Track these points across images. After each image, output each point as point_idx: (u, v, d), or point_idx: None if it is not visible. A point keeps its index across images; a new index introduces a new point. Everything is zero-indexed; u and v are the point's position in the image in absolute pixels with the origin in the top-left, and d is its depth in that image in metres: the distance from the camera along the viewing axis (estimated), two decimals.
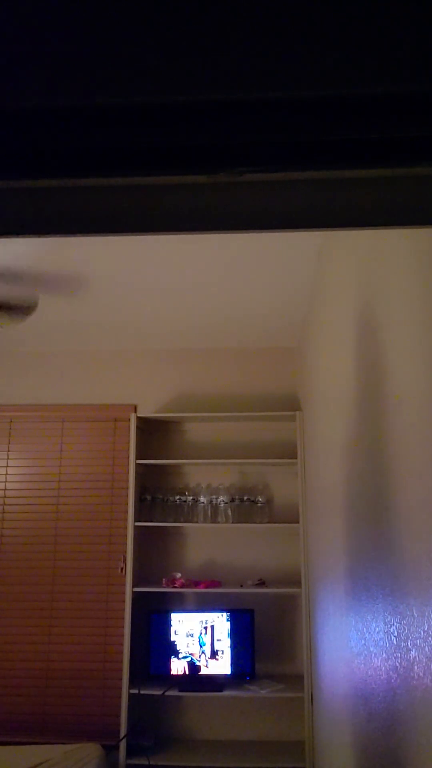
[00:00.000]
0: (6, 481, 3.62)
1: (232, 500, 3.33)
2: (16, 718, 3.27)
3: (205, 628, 3.15)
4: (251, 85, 0.55)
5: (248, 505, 3.34)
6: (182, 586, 3.20)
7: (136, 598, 3.18)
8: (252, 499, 3.34)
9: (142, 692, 2.98)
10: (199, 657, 3.11)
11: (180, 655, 3.12)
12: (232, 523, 3.31)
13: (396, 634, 1.16)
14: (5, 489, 3.61)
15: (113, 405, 3.65)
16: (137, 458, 3.33)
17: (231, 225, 0.66)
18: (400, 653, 1.12)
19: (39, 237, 0.67)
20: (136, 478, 3.29)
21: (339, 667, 1.98)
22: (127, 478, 3.33)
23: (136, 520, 3.26)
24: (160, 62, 0.56)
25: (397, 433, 1.17)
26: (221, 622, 3.14)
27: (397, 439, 1.17)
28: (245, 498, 3.34)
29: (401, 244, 1.14)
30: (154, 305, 3.04)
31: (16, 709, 3.28)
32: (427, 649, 0.96)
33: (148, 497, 3.38)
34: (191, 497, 3.36)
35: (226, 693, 3.02)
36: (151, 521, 3.33)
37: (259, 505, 3.34)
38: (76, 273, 2.62)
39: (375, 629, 1.36)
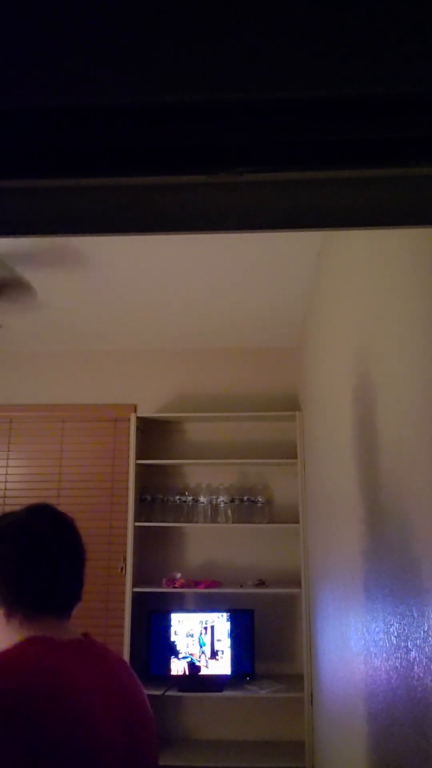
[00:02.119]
0: (6, 481, 3.62)
1: (232, 500, 3.33)
2: None
3: (205, 628, 3.14)
4: (251, 85, 0.55)
5: (248, 505, 3.34)
6: (182, 586, 3.20)
7: (136, 598, 3.17)
8: (252, 499, 3.34)
9: None
10: (199, 657, 3.11)
11: (180, 656, 3.12)
12: (232, 523, 3.31)
13: (396, 634, 1.16)
14: (5, 489, 3.61)
15: (113, 405, 3.65)
16: (137, 458, 3.33)
17: (231, 225, 0.66)
18: (400, 653, 1.12)
19: (39, 237, 0.67)
20: (136, 478, 3.29)
21: (339, 667, 1.98)
22: (127, 478, 3.33)
23: (136, 520, 3.26)
24: (160, 62, 0.56)
25: (397, 433, 1.17)
26: (221, 623, 3.14)
27: (397, 439, 1.17)
28: (245, 498, 3.34)
29: (402, 244, 1.14)
30: (154, 305, 3.04)
31: None
32: (427, 649, 0.96)
33: (148, 497, 3.38)
34: (191, 497, 3.36)
35: (226, 693, 3.02)
36: (151, 521, 3.33)
37: (259, 505, 3.33)
38: (75, 269, 2.62)
39: (375, 629, 1.36)
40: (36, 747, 0.73)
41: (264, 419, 3.47)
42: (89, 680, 0.87)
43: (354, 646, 1.66)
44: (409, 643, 1.06)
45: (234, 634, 3.13)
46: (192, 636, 3.14)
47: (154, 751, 0.94)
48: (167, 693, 3.00)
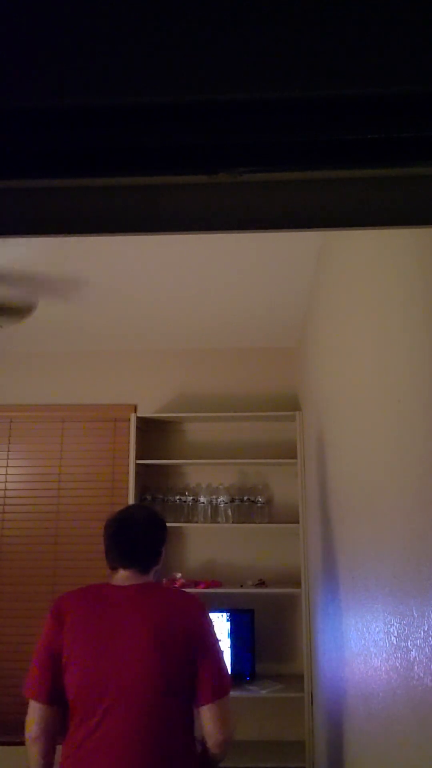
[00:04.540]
0: (6, 481, 3.62)
1: (232, 500, 3.33)
2: (16, 718, 3.26)
3: None
4: (251, 85, 0.55)
5: (248, 505, 3.34)
6: (182, 586, 3.20)
7: None
8: (252, 499, 3.34)
9: None
10: None
11: None
12: (232, 523, 3.31)
13: (396, 634, 1.16)
14: (5, 489, 3.61)
15: (113, 405, 3.65)
16: (137, 458, 3.33)
17: (231, 225, 0.66)
18: (400, 653, 1.12)
19: (39, 237, 0.67)
20: (136, 478, 3.29)
21: (339, 667, 1.98)
22: (127, 478, 3.33)
23: None
24: (160, 62, 0.56)
25: (397, 433, 1.17)
26: (221, 622, 3.14)
27: (397, 439, 1.17)
28: (245, 498, 3.34)
29: (402, 243, 1.14)
30: (153, 305, 3.04)
31: (16, 709, 3.28)
32: (427, 649, 0.96)
33: (148, 497, 3.38)
34: (191, 497, 3.36)
35: None
36: None
37: (259, 505, 3.34)
38: (76, 272, 2.62)
39: (375, 629, 1.36)
40: (65, 624, 1.54)
41: (264, 419, 3.47)
42: (118, 601, 1.58)
43: (354, 646, 1.66)
44: (409, 643, 1.06)
45: (234, 634, 3.13)
46: None
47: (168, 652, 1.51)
48: None
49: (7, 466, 3.64)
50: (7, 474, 3.63)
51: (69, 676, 1.49)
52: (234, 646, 3.11)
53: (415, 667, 1.02)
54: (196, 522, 3.33)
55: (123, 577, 1.67)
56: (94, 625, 1.52)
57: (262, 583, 3.25)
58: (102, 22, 0.56)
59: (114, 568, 1.69)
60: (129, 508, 1.88)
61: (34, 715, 1.53)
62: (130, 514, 1.78)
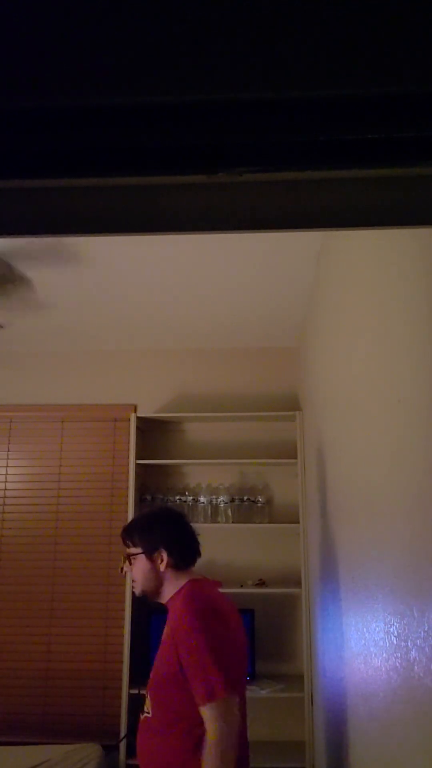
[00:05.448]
0: (6, 481, 3.62)
1: (232, 500, 3.33)
2: (16, 718, 3.27)
3: None
4: (251, 86, 0.55)
5: (248, 505, 3.34)
6: None
7: (136, 598, 3.16)
8: (252, 499, 3.34)
9: (142, 692, 2.97)
10: None
11: None
12: (232, 523, 3.31)
13: (396, 634, 1.16)
14: (5, 489, 3.61)
15: (113, 405, 3.65)
16: (137, 458, 3.33)
17: (231, 225, 0.66)
18: (400, 653, 1.12)
19: (39, 237, 0.67)
20: (136, 478, 3.29)
21: (339, 667, 1.98)
22: (127, 478, 3.33)
23: None
24: (159, 62, 0.56)
25: (397, 433, 1.17)
26: None
27: (397, 439, 1.17)
28: (245, 498, 3.34)
29: (403, 243, 1.14)
30: (154, 305, 3.04)
31: (16, 709, 3.28)
32: (427, 649, 0.96)
33: (148, 497, 3.38)
34: (191, 497, 3.36)
35: None
36: None
37: (259, 505, 3.33)
38: (76, 272, 2.62)
39: (375, 629, 1.36)
40: (223, 620, 1.60)
41: (264, 419, 3.47)
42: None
43: (354, 646, 1.66)
44: (409, 643, 1.06)
45: None
46: None
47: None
48: None
49: (7, 466, 3.63)
50: (7, 474, 3.62)
51: (235, 667, 1.59)
52: None
53: (415, 667, 1.02)
54: (196, 522, 3.32)
55: (192, 572, 1.79)
56: (230, 619, 1.67)
57: (262, 583, 3.25)
58: (102, 22, 0.56)
59: (188, 565, 1.78)
60: (172, 507, 2.18)
61: (237, 711, 1.54)
62: (183, 514, 1.93)
